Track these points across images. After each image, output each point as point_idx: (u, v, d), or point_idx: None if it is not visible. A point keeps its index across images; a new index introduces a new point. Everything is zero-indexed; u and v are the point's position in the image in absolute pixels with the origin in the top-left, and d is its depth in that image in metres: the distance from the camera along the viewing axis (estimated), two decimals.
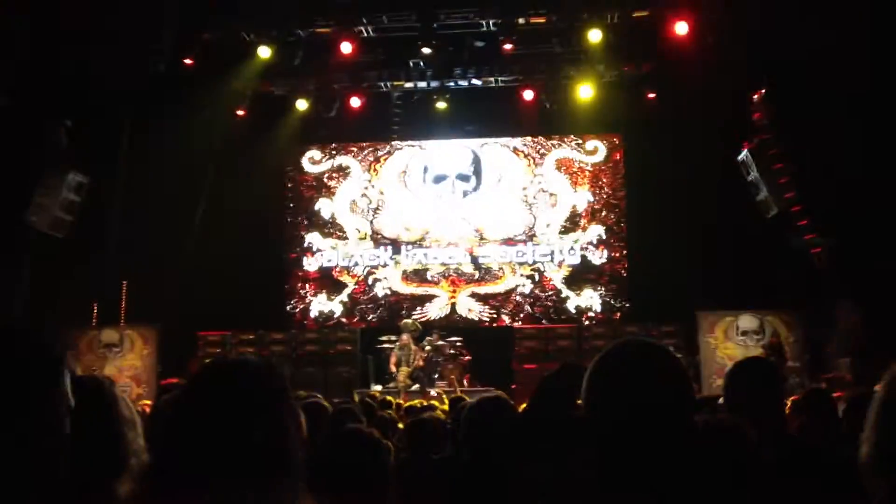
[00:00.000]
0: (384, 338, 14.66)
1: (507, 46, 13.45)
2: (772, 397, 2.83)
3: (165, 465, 1.45)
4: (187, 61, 13.38)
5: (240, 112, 15.10)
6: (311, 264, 16.62)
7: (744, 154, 13.70)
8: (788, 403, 3.55)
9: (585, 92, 14.76)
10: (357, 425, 2.78)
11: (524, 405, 1.74)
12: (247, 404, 1.48)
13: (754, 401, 2.73)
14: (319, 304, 16.44)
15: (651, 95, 14.60)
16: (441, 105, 15.47)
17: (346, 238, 16.69)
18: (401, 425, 6.01)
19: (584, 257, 16.14)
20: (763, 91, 13.20)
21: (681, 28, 12.84)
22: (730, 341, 14.15)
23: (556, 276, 16.14)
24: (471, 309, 16.14)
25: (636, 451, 1.34)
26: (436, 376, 13.83)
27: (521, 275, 16.21)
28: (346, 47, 13.44)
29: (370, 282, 16.47)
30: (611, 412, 1.38)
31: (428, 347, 14.12)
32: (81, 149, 13.00)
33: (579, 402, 1.51)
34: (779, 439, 2.72)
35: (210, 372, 1.56)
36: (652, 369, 1.38)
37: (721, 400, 3.11)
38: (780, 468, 2.44)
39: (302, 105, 15.48)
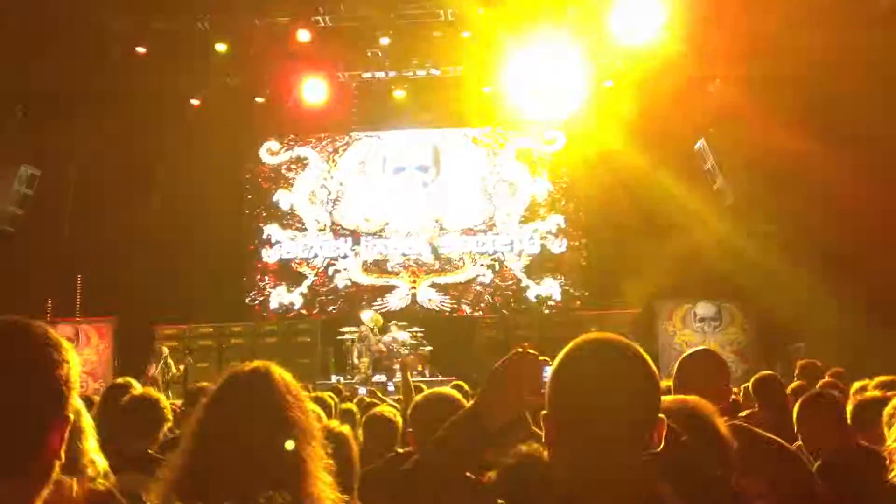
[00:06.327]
0: (345, 329, 14.60)
1: (465, 35, 13.43)
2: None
3: (193, 476, 1.52)
4: (140, 50, 13.15)
5: (195, 102, 14.84)
6: (270, 256, 16.47)
7: (700, 143, 13.83)
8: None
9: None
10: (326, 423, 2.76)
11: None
12: (269, 415, 1.59)
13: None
14: (279, 296, 16.31)
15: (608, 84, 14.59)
16: (399, 95, 15.37)
17: (306, 229, 16.57)
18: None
19: (543, 246, 16.20)
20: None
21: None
22: (687, 328, 14.33)
23: (516, 266, 16.18)
24: (431, 299, 16.12)
25: (601, 454, 1.32)
26: (397, 367, 13.80)
27: (482, 264, 16.23)
28: (303, 36, 13.30)
29: (330, 273, 16.38)
30: (576, 417, 1.35)
31: (389, 338, 14.09)
32: (33, 141, 12.72)
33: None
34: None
35: (230, 385, 1.65)
36: (618, 370, 1.35)
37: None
38: None
39: (259, 96, 15.26)
